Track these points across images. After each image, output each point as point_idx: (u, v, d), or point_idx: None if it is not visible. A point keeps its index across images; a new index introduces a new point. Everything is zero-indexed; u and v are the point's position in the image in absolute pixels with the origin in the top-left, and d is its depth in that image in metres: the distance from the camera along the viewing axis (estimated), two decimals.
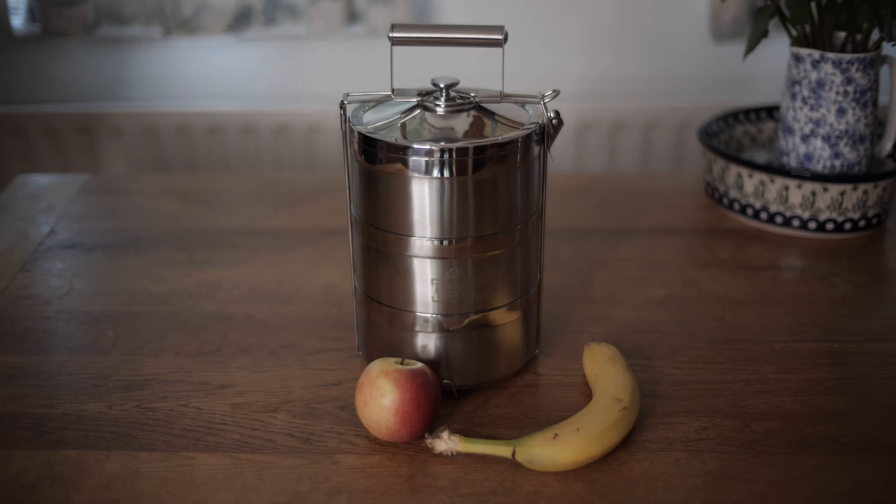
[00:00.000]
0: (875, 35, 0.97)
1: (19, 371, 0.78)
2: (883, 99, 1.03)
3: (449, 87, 0.70)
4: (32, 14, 1.54)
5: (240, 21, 1.51)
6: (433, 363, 0.72)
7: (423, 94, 0.72)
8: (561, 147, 1.55)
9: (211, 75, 1.59)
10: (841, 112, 0.97)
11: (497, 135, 0.68)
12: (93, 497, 0.64)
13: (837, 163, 0.98)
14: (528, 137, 0.68)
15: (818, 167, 0.99)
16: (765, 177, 0.98)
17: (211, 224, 1.03)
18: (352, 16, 1.53)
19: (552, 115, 0.70)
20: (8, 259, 0.95)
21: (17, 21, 1.55)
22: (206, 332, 0.83)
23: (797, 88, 0.98)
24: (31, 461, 0.67)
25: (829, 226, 0.97)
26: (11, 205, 1.07)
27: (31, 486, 0.65)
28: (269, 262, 0.94)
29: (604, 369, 0.72)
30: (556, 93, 0.70)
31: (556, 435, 0.65)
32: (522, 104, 0.73)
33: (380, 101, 0.73)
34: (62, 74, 1.59)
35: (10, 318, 0.85)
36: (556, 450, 0.65)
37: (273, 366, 0.78)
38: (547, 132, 0.70)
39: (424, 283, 0.70)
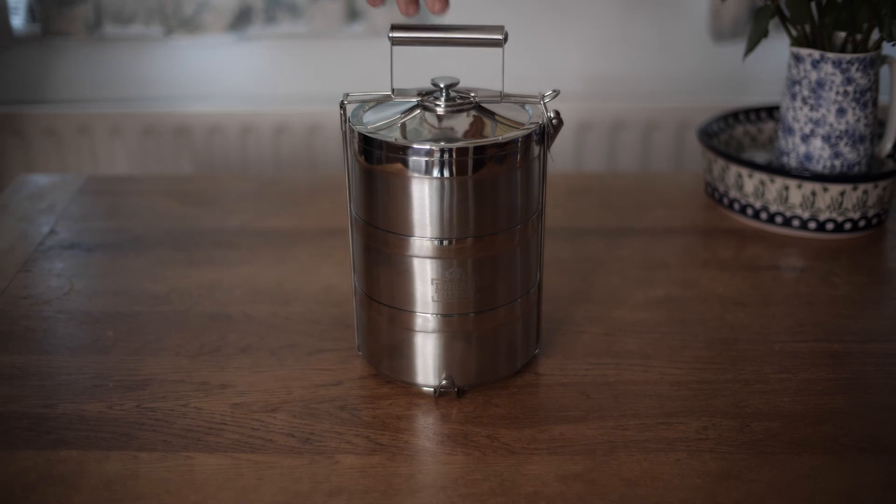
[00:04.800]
0: (875, 35, 0.97)
1: (19, 371, 0.78)
2: (883, 99, 1.03)
3: (449, 87, 0.70)
4: (32, 14, 1.54)
5: (240, 20, 1.51)
6: (433, 363, 0.72)
7: (423, 93, 0.72)
8: (561, 147, 1.55)
9: (211, 75, 1.59)
10: (841, 112, 0.97)
11: (497, 135, 0.68)
12: (93, 497, 0.64)
13: (837, 163, 0.98)
14: (528, 137, 0.68)
15: (818, 167, 0.99)
16: (765, 177, 0.98)
17: (211, 224, 1.03)
18: (352, 15, 1.53)
19: (552, 115, 0.70)
20: (8, 259, 0.95)
21: (17, 21, 1.55)
22: (206, 332, 0.83)
23: (797, 88, 0.98)
24: (31, 461, 0.67)
25: (829, 226, 0.97)
26: (11, 205, 1.07)
27: (31, 486, 0.65)
28: (269, 262, 0.94)
29: None
30: (556, 93, 0.70)
31: None
32: (522, 104, 0.73)
33: (380, 101, 0.73)
34: (62, 74, 1.59)
35: (10, 318, 0.85)
36: None
37: (273, 366, 0.78)
38: (547, 132, 0.70)
39: (424, 283, 0.70)
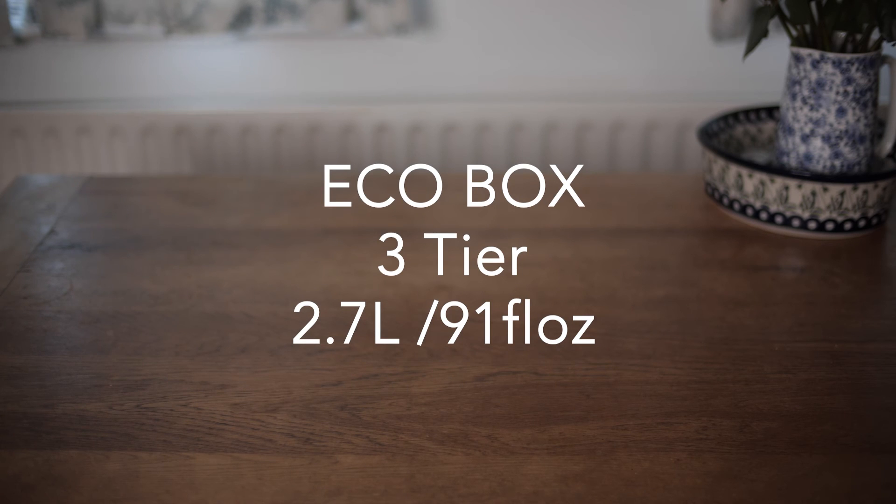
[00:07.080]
0: (875, 35, 0.97)
1: (19, 371, 0.78)
2: (883, 99, 1.03)
3: None
4: (32, 14, 1.54)
5: (240, 20, 1.51)
6: None
7: None
8: (561, 147, 1.55)
9: (211, 75, 1.59)
10: (841, 112, 0.97)
11: None
12: (93, 497, 0.64)
13: (837, 163, 0.98)
14: None
15: (818, 167, 0.99)
16: (765, 177, 0.98)
17: (211, 224, 1.03)
18: (352, 15, 1.53)
19: None
20: (8, 259, 0.95)
21: (17, 21, 1.55)
22: (206, 332, 0.83)
23: (797, 88, 0.98)
24: (31, 461, 0.67)
25: (829, 226, 0.97)
26: (11, 205, 1.07)
27: (31, 486, 0.65)
28: (269, 262, 0.94)
29: None
30: None
31: None
32: None
33: None
34: (62, 74, 1.59)
35: (10, 318, 0.86)
36: None
37: (273, 366, 0.78)
38: None
39: None
